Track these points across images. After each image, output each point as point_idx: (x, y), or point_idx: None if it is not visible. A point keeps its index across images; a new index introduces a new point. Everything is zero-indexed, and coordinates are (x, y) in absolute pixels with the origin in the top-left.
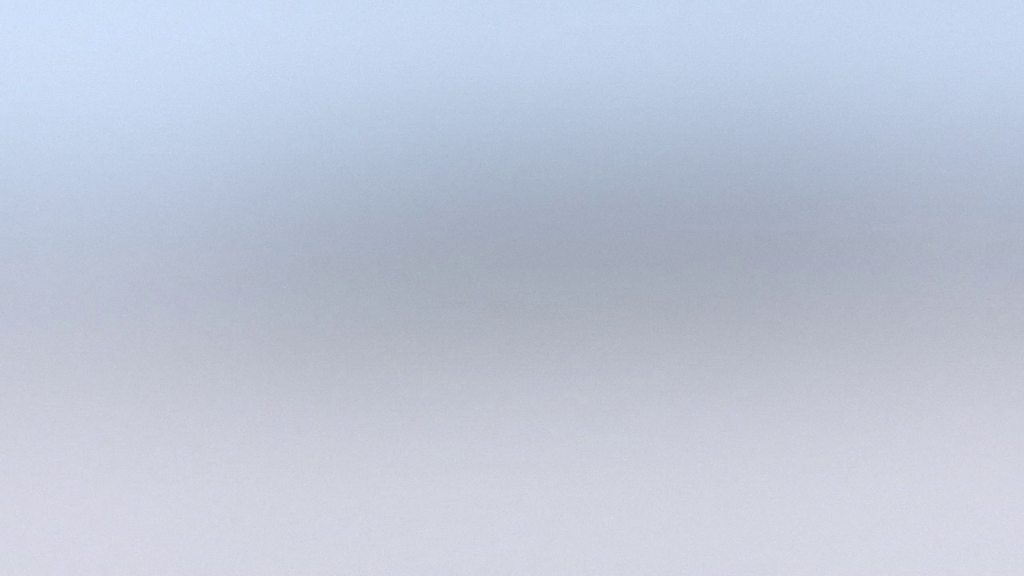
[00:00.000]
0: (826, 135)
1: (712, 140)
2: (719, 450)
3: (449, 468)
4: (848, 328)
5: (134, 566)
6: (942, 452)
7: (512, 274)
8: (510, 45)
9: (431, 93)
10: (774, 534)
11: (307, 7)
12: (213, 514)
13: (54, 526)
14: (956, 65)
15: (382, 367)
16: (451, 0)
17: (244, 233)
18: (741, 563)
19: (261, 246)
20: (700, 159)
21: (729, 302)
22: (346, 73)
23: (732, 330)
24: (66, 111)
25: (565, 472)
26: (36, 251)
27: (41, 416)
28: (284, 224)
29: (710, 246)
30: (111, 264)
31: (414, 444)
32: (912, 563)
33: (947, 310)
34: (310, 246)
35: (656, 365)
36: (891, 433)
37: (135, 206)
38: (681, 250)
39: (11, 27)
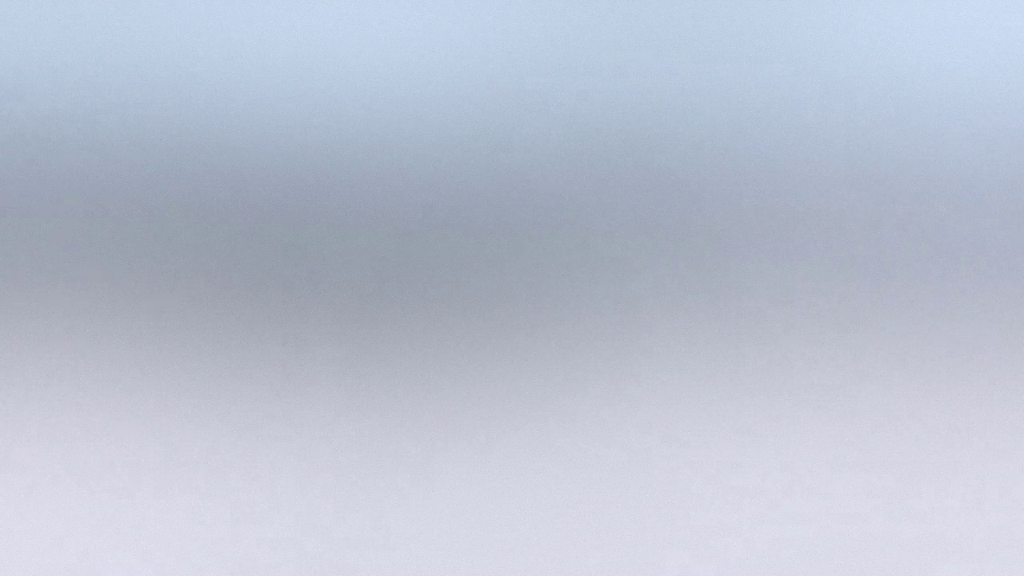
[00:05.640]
0: (821, 134)
1: (706, 138)
2: (717, 450)
3: (446, 468)
4: (846, 328)
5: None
6: (941, 452)
7: (499, 273)
8: (507, 44)
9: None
10: (774, 535)
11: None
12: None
13: (33, 525)
14: (947, 62)
15: (368, 367)
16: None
17: (245, 226)
18: (741, 564)
19: (247, 239)
20: (695, 158)
21: (726, 301)
22: (345, 69)
23: (729, 330)
24: None
25: (561, 472)
26: None
27: None
28: (276, 219)
29: (708, 244)
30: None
31: (402, 444)
32: (913, 564)
33: (944, 309)
34: (303, 241)
35: (650, 365)
36: (890, 433)
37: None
38: (676, 248)
39: None
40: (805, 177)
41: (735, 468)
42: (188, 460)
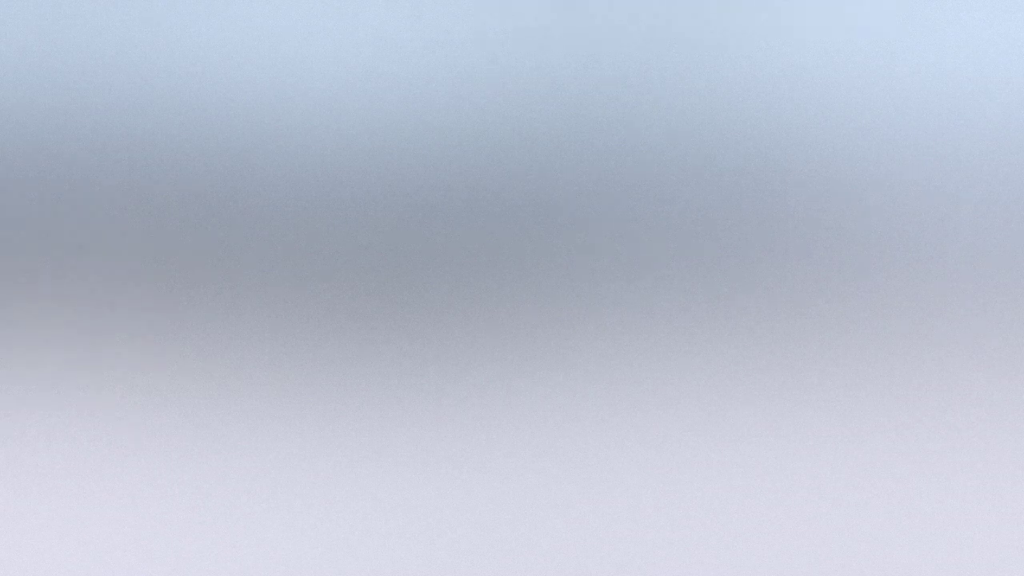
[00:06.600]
0: (822, 133)
1: (707, 140)
2: (717, 451)
3: (446, 468)
4: (844, 329)
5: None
6: (941, 453)
7: (496, 271)
8: (497, 38)
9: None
10: (775, 536)
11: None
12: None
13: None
14: (943, 63)
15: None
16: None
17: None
18: (741, 564)
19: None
20: (695, 158)
21: (726, 300)
22: (352, 68)
23: (729, 329)
24: None
25: (561, 472)
26: None
27: None
28: (274, 219)
29: (708, 244)
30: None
31: (401, 444)
32: (912, 565)
33: (942, 310)
34: (301, 241)
35: (649, 366)
36: (890, 435)
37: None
38: (676, 248)
39: None
40: (805, 177)
41: (735, 468)
42: (184, 460)
